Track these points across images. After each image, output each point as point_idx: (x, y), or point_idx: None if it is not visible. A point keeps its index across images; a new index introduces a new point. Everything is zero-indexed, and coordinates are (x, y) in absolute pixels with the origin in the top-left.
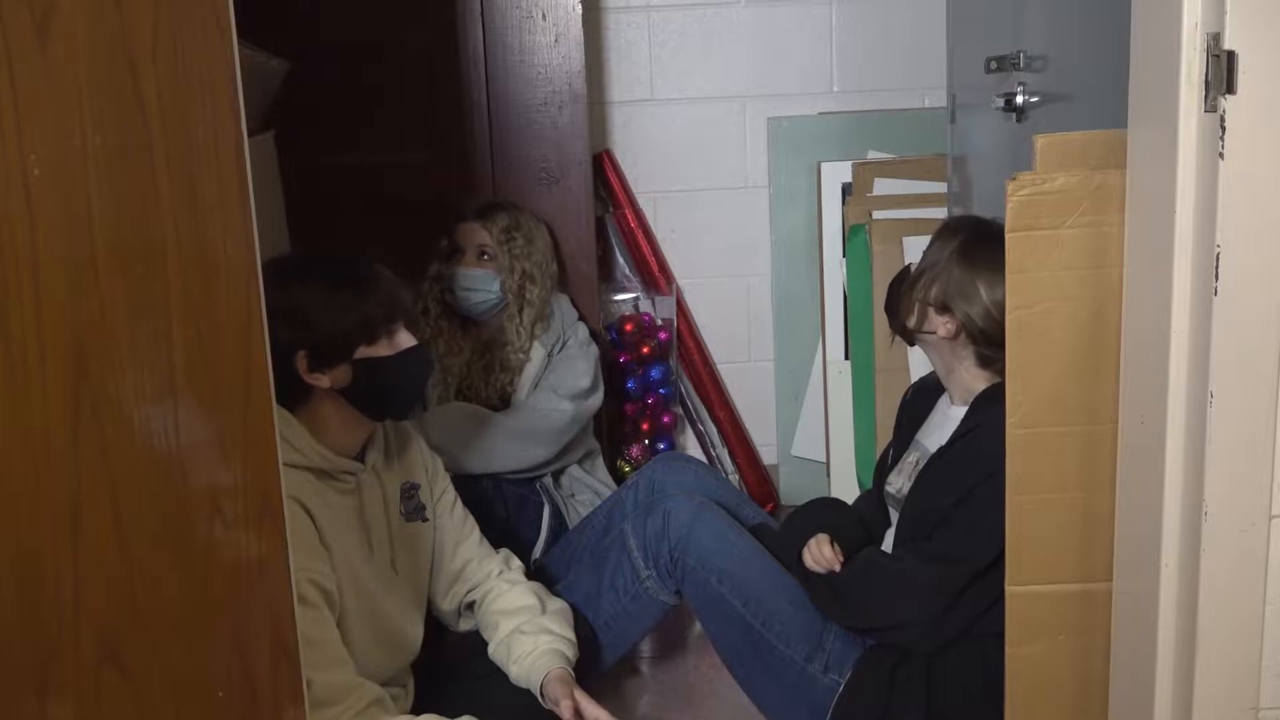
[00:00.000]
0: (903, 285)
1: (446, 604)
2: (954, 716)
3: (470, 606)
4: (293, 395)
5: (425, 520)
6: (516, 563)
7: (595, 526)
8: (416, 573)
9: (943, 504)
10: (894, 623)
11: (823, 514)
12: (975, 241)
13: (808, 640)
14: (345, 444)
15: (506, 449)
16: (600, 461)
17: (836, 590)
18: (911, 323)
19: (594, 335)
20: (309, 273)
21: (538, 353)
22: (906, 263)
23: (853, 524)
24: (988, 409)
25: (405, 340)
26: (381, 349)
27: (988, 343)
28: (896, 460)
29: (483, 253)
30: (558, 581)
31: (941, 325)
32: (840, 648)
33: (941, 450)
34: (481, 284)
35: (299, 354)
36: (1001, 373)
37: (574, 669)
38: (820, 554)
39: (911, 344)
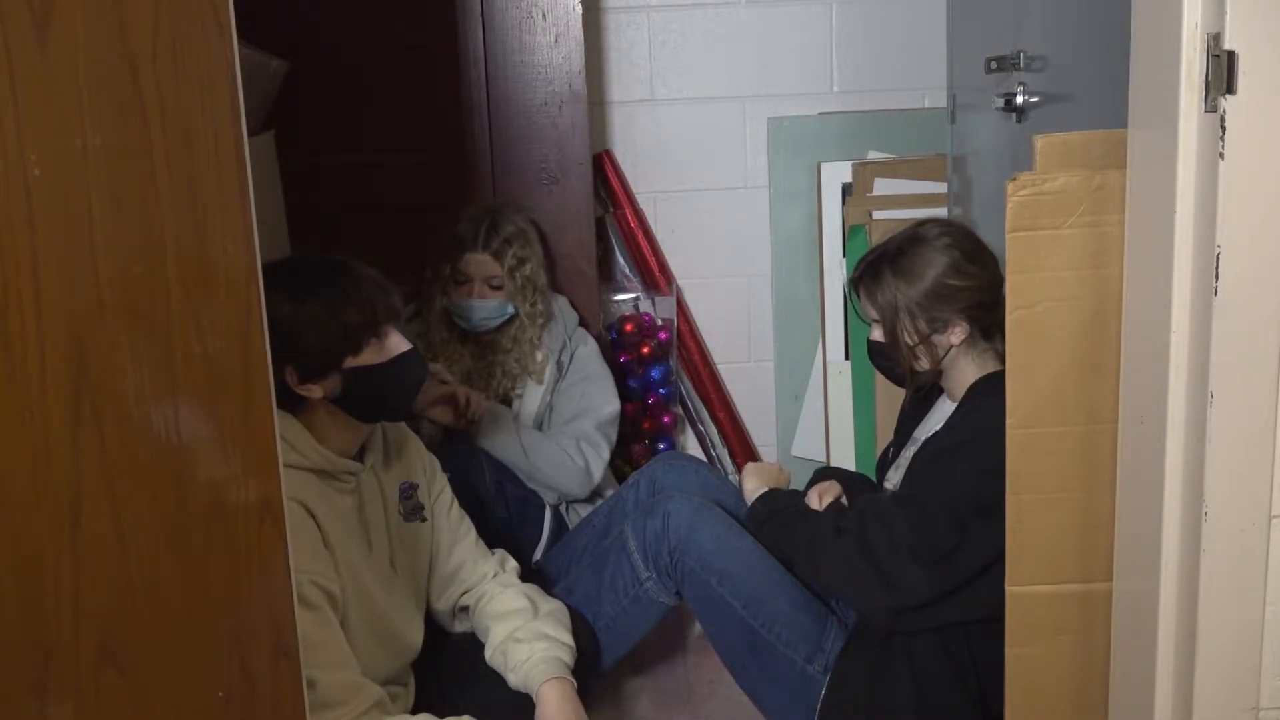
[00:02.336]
0: (891, 353)
1: (441, 604)
2: (940, 704)
3: (466, 609)
4: (286, 404)
5: (423, 520)
6: (512, 564)
7: (596, 526)
8: (415, 573)
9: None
10: (865, 586)
11: (846, 475)
12: (894, 260)
13: (807, 641)
14: (344, 446)
15: (537, 464)
16: None
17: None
18: (927, 365)
19: (595, 337)
20: (275, 286)
21: (546, 360)
22: (868, 338)
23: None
24: (979, 400)
25: (397, 345)
26: (370, 357)
27: (982, 306)
28: (895, 457)
29: (492, 284)
30: (557, 582)
31: (952, 335)
32: (840, 648)
33: (934, 435)
34: (495, 312)
35: (286, 368)
36: (999, 355)
37: (574, 669)
38: (818, 501)
39: (939, 378)
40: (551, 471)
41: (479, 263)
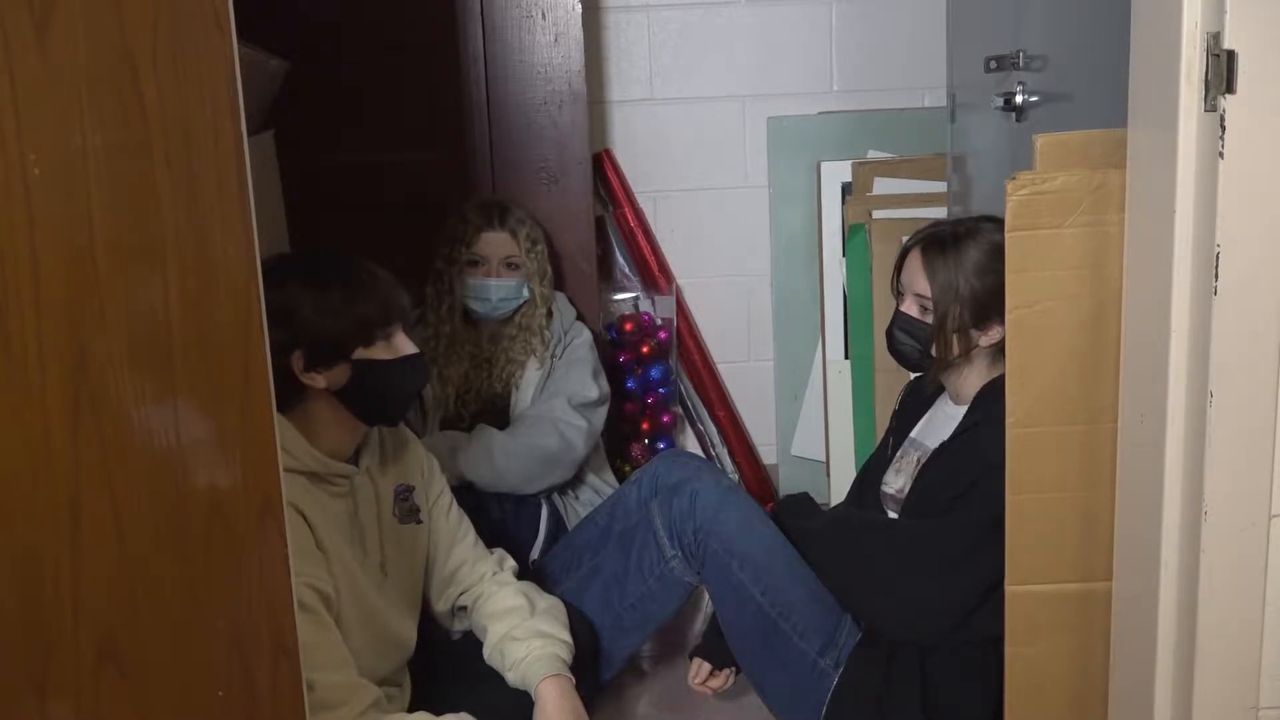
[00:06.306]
0: (925, 332)
1: (441, 605)
2: (950, 710)
3: (464, 609)
4: (286, 396)
5: (419, 523)
6: (510, 563)
7: (598, 524)
8: (409, 575)
9: (942, 499)
10: (890, 603)
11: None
12: (966, 244)
13: (821, 634)
14: (338, 447)
15: (524, 470)
16: (604, 459)
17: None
18: (952, 354)
19: (595, 336)
20: (295, 272)
21: (542, 354)
22: (897, 310)
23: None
24: (987, 405)
25: (404, 346)
26: (379, 352)
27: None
28: (892, 456)
29: (510, 263)
30: (559, 582)
31: (988, 335)
32: (853, 644)
33: (943, 446)
34: (513, 293)
35: (295, 353)
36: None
37: (572, 665)
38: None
39: (943, 373)
40: (529, 468)
41: (497, 241)
